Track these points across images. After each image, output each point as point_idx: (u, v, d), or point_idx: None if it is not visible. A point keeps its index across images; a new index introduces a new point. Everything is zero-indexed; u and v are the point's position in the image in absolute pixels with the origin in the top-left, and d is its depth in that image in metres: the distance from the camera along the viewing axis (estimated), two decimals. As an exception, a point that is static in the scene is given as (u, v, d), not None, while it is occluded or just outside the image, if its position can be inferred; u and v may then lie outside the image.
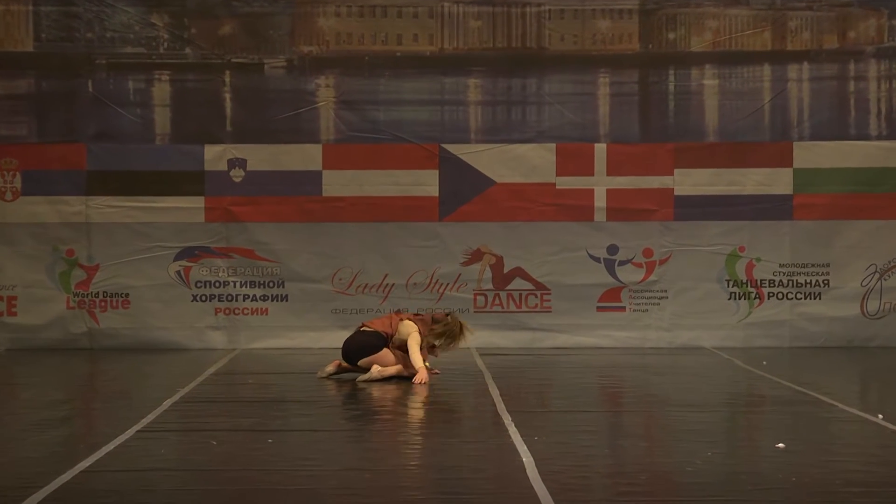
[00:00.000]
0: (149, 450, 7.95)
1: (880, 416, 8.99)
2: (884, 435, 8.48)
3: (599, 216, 13.42)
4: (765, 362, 12.12)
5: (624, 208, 13.39)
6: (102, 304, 13.33)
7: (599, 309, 13.47)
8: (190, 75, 13.32)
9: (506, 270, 13.50)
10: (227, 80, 13.30)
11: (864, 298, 13.47)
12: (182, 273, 13.37)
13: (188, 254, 13.35)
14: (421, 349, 10.80)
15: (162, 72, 13.28)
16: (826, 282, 13.48)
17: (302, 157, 13.32)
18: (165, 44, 13.31)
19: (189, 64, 13.31)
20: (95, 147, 13.24)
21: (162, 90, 13.31)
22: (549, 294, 13.47)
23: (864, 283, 13.47)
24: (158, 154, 13.26)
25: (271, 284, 13.39)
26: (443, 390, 10.66)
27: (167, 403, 9.66)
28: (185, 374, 11.33)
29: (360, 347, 10.88)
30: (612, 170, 13.38)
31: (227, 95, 13.33)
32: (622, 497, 6.74)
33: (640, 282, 13.49)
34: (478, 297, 13.49)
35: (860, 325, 13.46)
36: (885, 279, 13.49)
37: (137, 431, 8.51)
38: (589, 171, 13.40)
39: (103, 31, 13.24)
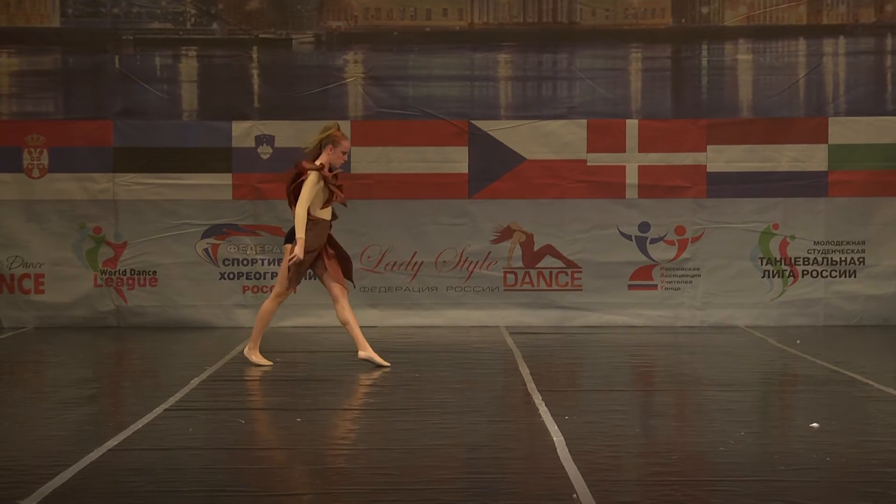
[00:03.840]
0: (176, 428, 7.94)
1: (917, 395, 8.92)
2: (921, 415, 8.42)
3: (631, 193, 13.31)
4: (799, 341, 12.03)
5: (656, 185, 13.27)
6: (130, 281, 13.31)
7: (631, 287, 13.37)
8: (217, 51, 13.25)
9: (536, 248, 13.41)
10: (255, 55, 13.23)
11: (900, 276, 13.32)
12: (210, 251, 13.33)
13: (216, 231, 13.32)
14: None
15: (189, 48, 13.22)
16: (861, 259, 13.33)
17: (330, 133, 13.23)
18: (192, 19, 13.24)
19: (216, 40, 13.24)
20: (122, 124, 13.20)
21: (189, 66, 13.25)
22: (580, 272, 13.38)
23: (900, 261, 13.31)
24: (186, 131, 13.21)
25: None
26: (472, 369, 10.61)
27: (195, 382, 9.66)
28: (212, 352, 11.33)
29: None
30: (644, 146, 13.26)
31: (255, 71, 13.26)
32: (654, 477, 6.69)
33: (673, 260, 13.37)
34: (508, 276, 13.41)
35: (896, 303, 13.32)
36: (921, 257, 13.32)
37: (165, 410, 8.52)
38: (620, 148, 13.28)
39: (130, 6, 13.19)
